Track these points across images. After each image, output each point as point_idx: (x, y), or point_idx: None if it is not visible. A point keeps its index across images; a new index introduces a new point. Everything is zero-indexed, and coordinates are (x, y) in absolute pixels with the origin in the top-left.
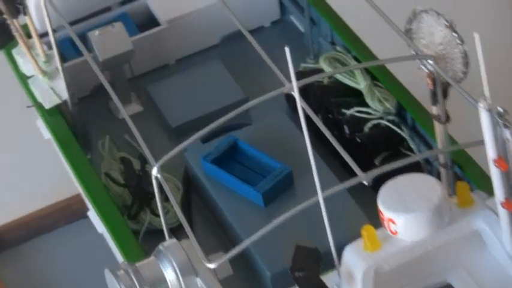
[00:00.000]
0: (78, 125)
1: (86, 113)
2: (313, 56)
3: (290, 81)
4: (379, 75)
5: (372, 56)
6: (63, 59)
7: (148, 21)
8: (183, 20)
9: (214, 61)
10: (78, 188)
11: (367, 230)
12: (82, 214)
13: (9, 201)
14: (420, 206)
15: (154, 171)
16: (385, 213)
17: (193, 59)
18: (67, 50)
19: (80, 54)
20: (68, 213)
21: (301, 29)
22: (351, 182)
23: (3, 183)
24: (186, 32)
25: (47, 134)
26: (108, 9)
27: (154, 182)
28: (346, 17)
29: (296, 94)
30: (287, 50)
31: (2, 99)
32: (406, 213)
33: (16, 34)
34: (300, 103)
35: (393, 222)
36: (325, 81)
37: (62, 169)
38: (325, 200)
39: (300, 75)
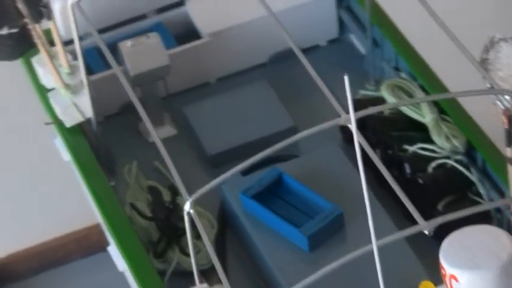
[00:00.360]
0: (102, 147)
1: (112, 134)
2: (374, 81)
3: (347, 111)
4: (448, 109)
5: (440, 87)
6: (89, 71)
7: (188, 32)
8: (227, 34)
9: (260, 82)
10: (98, 218)
11: (425, 286)
12: (101, 247)
13: (19, 228)
14: (487, 263)
15: (187, 207)
16: (448, 268)
17: (237, 79)
18: (94, 61)
19: (108, 66)
20: (84, 245)
21: (362, 50)
22: (410, 231)
23: (14, 208)
24: (230, 47)
25: (66, 156)
26: (142, 17)
27: (186, 217)
28: (414, 40)
29: (354, 128)
30: (346, 79)
31: (16, 114)
32: (471, 270)
33: (38, 41)
34: (357, 139)
35: (456, 280)
36: (386, 112)
37: (81, 196)
38: (380, 248)
39: (357, 104)
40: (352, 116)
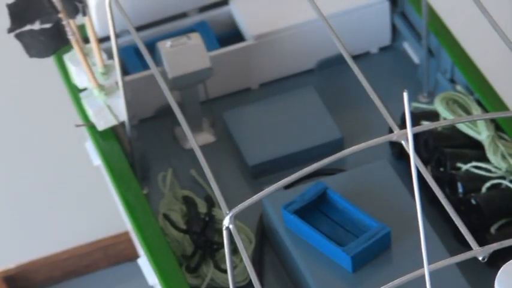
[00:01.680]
0: (136, 152)
1: (147, 138)
2: (427, 93)
3: (400, 126)
4: (505, 126)
5: (498, 102)
6: (125, 71)
7: (232, 33)
8: (273, 37)
9: (306, 89)
10: (127, 227)
11: None
12: (129, 256)
13: (41, 234)
14: None
15: (226, 222)
16: None
17: (282, 85)
18: (130, 60)
19: (145, 67)
20: (111, 253)
21: (416, 59)
22: (464, 256)
23: (36, 211)
24: (276, 51)
25: (96, 160)
26: (184, 15)
27: (224, 232)
28: (472, 51)
29: (411, 149)
30: (405, 95)
31: (46, 114)
32: None
33: (71, 38)
34: (414, 161)
35: None
36: (440, 126)
37: (110, 202)
38: (431, 273)
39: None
40: (410, 134)
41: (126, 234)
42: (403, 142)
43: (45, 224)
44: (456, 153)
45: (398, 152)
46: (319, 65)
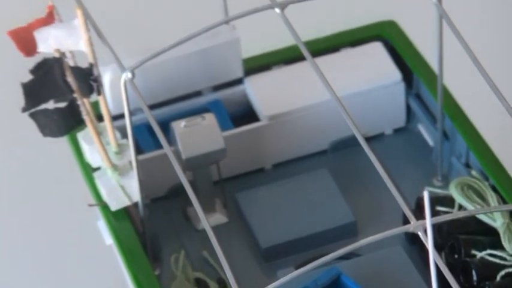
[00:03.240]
0: (148, 232)
1: (159, 218)
2: (441, 176)
3: (415, 211)
4: None
5: None
6: (138, 149)
7: (245, 112)
8: (287, 117)
9: (320, 171)
10: None
11: None
12: None
13: None
14: None
15: None
16: None
17: (295, 166)
18: (143, 138)
19: (158, 145)
20: None
21: (430, 142)
22: None
23: None
24: (290, 131)
25: (108, 239)
26: (198, 93)
27: None
28: (488, 136)
29: (430, 244)
30: (426, 194)
31: (59, 191)
32: None
33: (86, 117)
34: (432, 253)
35: None
36: (454, 211)
37: (122, 283)
38: None
39: (422, 201)
40: (430, 232)
41: None
42: (419, 233)
43: None
44: (471, 240)
45: (412, 236)
46: (333, 146)
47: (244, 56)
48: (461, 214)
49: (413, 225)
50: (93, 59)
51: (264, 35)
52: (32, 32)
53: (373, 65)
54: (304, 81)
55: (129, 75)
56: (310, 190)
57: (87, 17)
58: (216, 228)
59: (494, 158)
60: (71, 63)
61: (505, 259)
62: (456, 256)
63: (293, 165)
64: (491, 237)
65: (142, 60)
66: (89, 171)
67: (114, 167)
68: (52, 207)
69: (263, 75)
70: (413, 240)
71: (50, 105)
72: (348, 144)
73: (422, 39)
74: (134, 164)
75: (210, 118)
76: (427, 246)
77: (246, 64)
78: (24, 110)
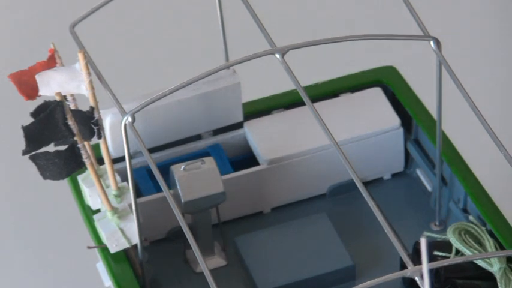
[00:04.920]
0: (147, 275)
1: (158, 261)
2: (439, 221)
3: (413, 256)
4: None
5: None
6: (138, 192)
7: (245, 157)
8: (287, 162)
9: (318, 215)
10: None
11: None
12: None
13: None
14: None
15: None
16: None
17: (294, 210)
18: (143, 181)
19: (158, 188)
20: None
21: (429, 187)
22: None
23: None
24: (289, 176)
25: (107, 281)
26: (198, 137)
27: None
28: (486, 182)
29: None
30: (423, 241)
31: (56, 232)
32: None
33: (86, 160)
34: None
35: None
36: (452, 256)
37: None
38: None
39: (420, 246)
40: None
41: None
42: (416, 278)
43: None
44: (468, 285)
45: (410, 281)
46: (332, 191)
47: (244, 100)
48: (458, 260)
49: (410, 271)
50: (94, 102)
51: (264, 79)
52: (33, 76)
53: (372, 111)
54: (304, 125)
55: (130, 119)
56: (309, 234)
57: (89, 61)
58: (214, 271)
59: (491, 203)
60: (72, 106)
61: None
62: None
63: (292, 209)
64: (488, 282)
65: (143, 104)
66: (89, 213)
67: (114, 210)
68: (52, 249)
69: (263, 119)
70: (411, 285)
71: (51, 148)
72: (347, 189)
73: (422, 85)
74: (134, 207)
75: (209, 162)
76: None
77: (246, 108)
78: (24, 152)
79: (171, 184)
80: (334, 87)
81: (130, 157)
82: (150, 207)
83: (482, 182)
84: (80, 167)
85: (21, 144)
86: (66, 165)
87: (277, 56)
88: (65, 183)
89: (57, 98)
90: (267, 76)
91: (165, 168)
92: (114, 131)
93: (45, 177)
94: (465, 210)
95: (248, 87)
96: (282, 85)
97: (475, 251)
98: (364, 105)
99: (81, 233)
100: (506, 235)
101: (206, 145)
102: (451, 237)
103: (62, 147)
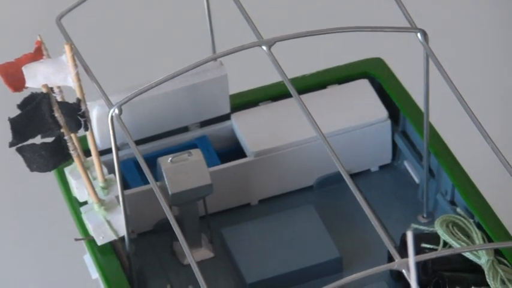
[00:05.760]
0: (134, 267)
1: (145, 253)
2: (427, 213)
3: (400, 248)
4: (505, 251)
5: (499, 226)
6: (125, 184)
7: (232, 149)
8: (274, 154)
9: (305, 207)
10: None
11: None
12: None
13: None
14: None
15: None
16: None
17: (281, 202)
18: (130, 173)
19: (145, 181)
20: None
21: (416, 179)
22: None
23: None
24: (276, 168)
25: (94, 273)
26: (185, 129)
27: None
28: (473, 174)
29: (413, 281)
30: (409, 234)
31: (43, 224)
32: None
33: (73, 152)
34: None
35: None
36: (439, 249)
37: None
38: None
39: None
40: (413, 271)
41: None
42: (403, 271)
43: None
44: (455, 277)
45: (397, 273)
46: (319, 183)
47: (231, 92)
48: (445, 252)
49: (397, 263)
50: (81, 94)
51: (251, 71)
52: (20, 68)
53: (359, 103)
54: (291, 118)
55: (117, 111)
56: (296, 226)
57: (75, 53)
58: (201, 263)
59: (479, 195)
60: (59, 98)
61: None
62: None
63: (279, 201)
64: (475, 275)
65: (129, 96)
66: (75, 205)
67: (101, 202)
68: (39, 241)
69: (250, 111)
70: (399, 277)
71: (38, 140)
72: (334, 181)
73: (409, 77)
74: (121, 199)
75: (196, 154)
76: (411, 283)
77: (233, 100)
78: (11, 145)
79: (158, 176)
80: (321, 79)
81: (118, 149)
82: (137, 199)
83: (469, 174)
84: (67, 159)
85: (8, 136)
86: (53, 158)
87: (264, 48)
88: (51, 175)
89: (44, 90)
90: (254, 68)
91: (152, 160)
92: (101, 123)
93: (32, 170)
94: (452, 203)
95: (235, 79)
96: (269, 77)
97: (463, 244)
98: (352, 97)
99: (68, 225)
100: (493, 227)
101: (193, 137)
102: (439, 229)
103: (49, 139)
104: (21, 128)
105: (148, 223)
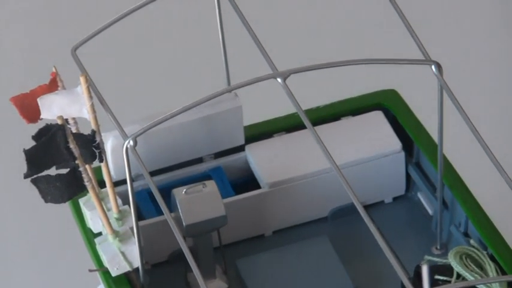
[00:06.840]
0: None
1: (159, 284)
2: (440, 245)
3: (413, 280)
4: None
5: None
6: (139, 215)
7: (247, 180)
8: (288, 185)
9: (320, 238)
10: None
11: None
12: None
13: None
14: None
15: None
16: None
17: (295, 233)
18: (144, 204)
19: (159, 211)
20: None
21: (430, 211)
22: None
23: None
24: (290, 199)
25: None
26: (199, 160)
27: None
28: (487, 207)
29: None
30: (425, 267)
31: (58, 255)
32: None
33: (88, 184)
34: None
35: None
36: (453, 281)
37: None
38: None
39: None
40: None
41: None
42: None
43: None
44: None
45: None
46: (333, 214)
47: (245, 123)
48: (459, 285)
49: None
50: (96, 126)
51: (266, 103)
52: (35, 99)
53: (373, 134)
54: (305, 149)
55: (131, 143)
56: (310, 257)
57: (90, 84)
58: None
59: (492, 227)
60: (74, 130)
61: None
62: None
63: (293, 232)
64: None
65: (144, 127)
66: (90, 236)
67: (115, 233)
68: (53, 272)
69: (264, 142)
70: None
71: (52, 171)
72: (348, 212)
73: (423, 108)
74: (135, 230)
75: (210, 185)
76: None
77: (248, 131)
78: (26, 176)
79: (172, 207)
80: (335, 111)
81: (132, 180)
82: (151, 230)
83: (483, 206)
84: (82, 190)
85: (23, 167)
86: (68, 189)
87: (279, 80)
88: (66, 206)
89: (59, 122)
90: (268, 99)
91: (166, 191)
92: (115, 154)
93: (46, 201)
94: (466, 234)
95: (249, 110)
96: (283, 108)
97: (476, 276)
98: (365, 128)
99: (83, 256)
100: (507, 259)
101: (207, 168)
102: (452, 261)
103: (64, 171)
104: (36, 159)
105: (163, 254)
